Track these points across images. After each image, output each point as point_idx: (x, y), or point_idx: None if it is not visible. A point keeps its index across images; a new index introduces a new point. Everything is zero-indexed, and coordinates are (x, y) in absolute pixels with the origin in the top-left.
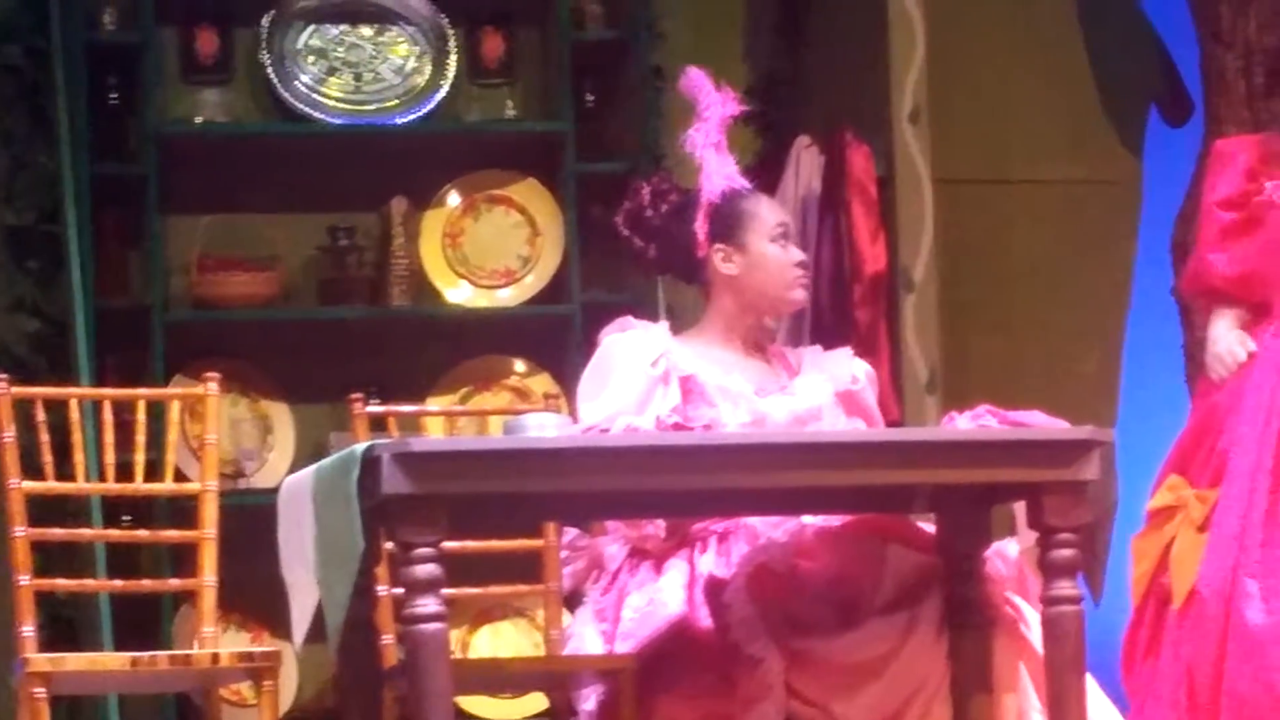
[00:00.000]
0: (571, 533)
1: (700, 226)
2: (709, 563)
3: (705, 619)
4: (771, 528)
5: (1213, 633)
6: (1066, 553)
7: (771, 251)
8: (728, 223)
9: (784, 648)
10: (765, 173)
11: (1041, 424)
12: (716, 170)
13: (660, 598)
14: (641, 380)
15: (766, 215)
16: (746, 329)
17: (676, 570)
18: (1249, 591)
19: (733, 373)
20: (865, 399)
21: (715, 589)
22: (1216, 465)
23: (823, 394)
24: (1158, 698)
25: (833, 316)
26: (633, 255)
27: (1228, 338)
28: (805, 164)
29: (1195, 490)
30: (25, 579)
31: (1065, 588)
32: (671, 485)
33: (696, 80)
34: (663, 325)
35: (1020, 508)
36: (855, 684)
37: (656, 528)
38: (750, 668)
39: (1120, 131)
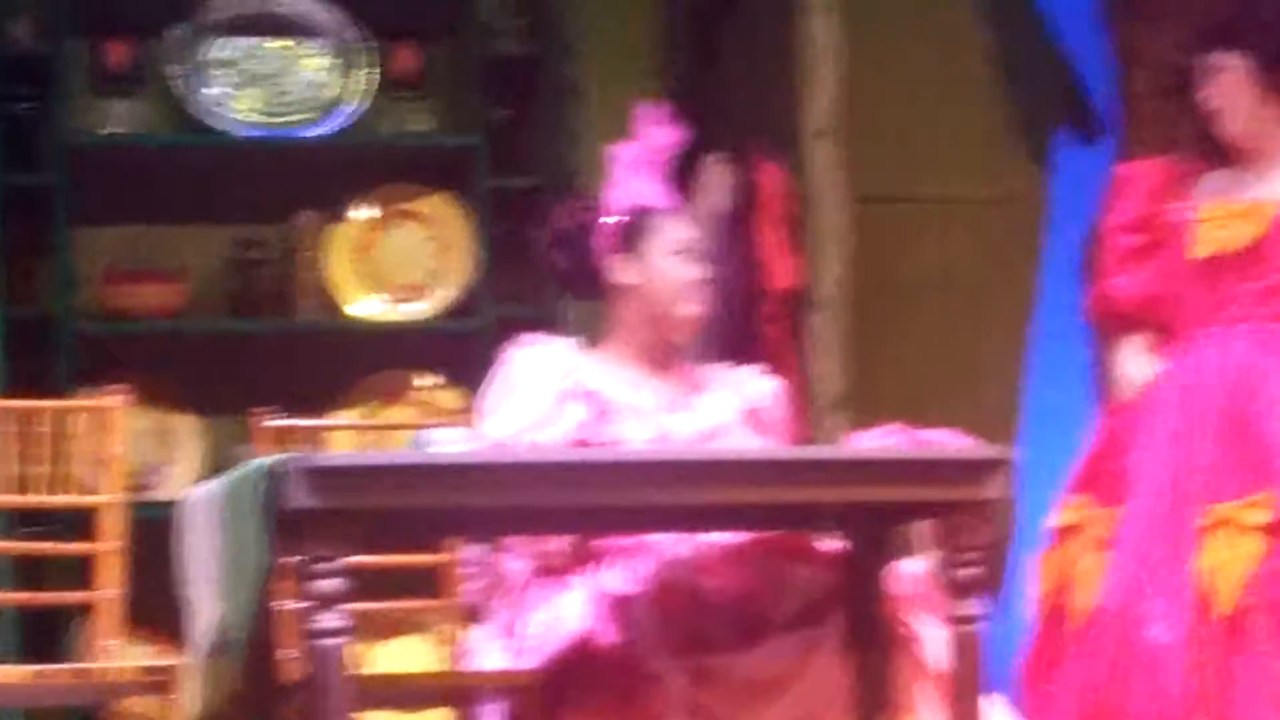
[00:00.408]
0: (475, 549)
1: (604, 237)
2: (612, 579)
3: (608, 635)
4: (675, 544)
5: (1114, 651)
6: (972, 571)
7: (669, 265)
8: (631, 234)
9: (687, 665)
10: (677, 188)
11: (949, 443)
12: (626, 184)
13: (563, 614)
14: (547, 395)
15: (670, 230)
16: (650, 344)
17: (580, 586)
18: (1151, 611)
19: (639, 389)
20: (773, 417)
21: (619, 605)
22: (1120, 485)
23: (728, 411)
24: (1057, 716)
25: (742, 332)
26: (544, 265)
27: (1136, 361)
28: (717, 179)
29: (1099, 509)
30: None
31: (970, 606)
32: (576, 502)
33: (647, 111)
34: (569, 340)
35: (926, 526)
36: (758, 701)
37: (560, 542)
38: (653, 685)
39: (1029, 149)
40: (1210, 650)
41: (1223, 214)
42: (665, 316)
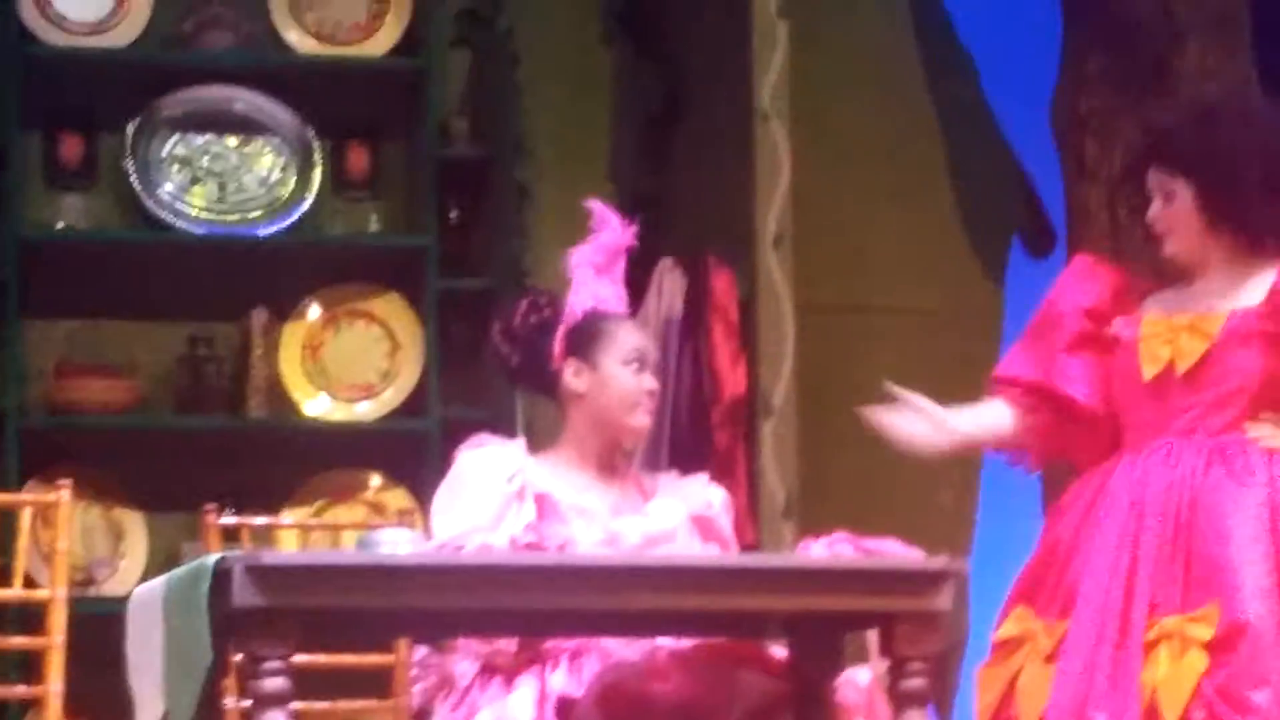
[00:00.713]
0: (422, 650)
1: (558, 340)
2: (560, 681)
3: None
4: (624, 647)
5: None
6: (917, 682)
7: (621, 374)
8: (585, 340)
9: None
10: (629, 293)
11: (897, 553)
12: (586, 288)
13: (510, 714)
14: (496, 496)
15: (624, 338)
16: (600, 450)
17: (527, 687)
18: None
19: (587, 492)
20: (720, 525)
21: (565, 708)
22: (1064, 596)
23: (677, 517)
24: None
25: (691, 439)
26: (497, 364)
27: (963, 416)
28: (668, 286)
29: (1043, 621)
30: None
31: (915, 717)
32: (524, 605)
33: (598, 207)
34: (519, 442)
35: (873, 635)
36: None
37: (508, 643)
38: None
39: (982, 262)
40: None
41: (1165, 330)
42: (615, 424)
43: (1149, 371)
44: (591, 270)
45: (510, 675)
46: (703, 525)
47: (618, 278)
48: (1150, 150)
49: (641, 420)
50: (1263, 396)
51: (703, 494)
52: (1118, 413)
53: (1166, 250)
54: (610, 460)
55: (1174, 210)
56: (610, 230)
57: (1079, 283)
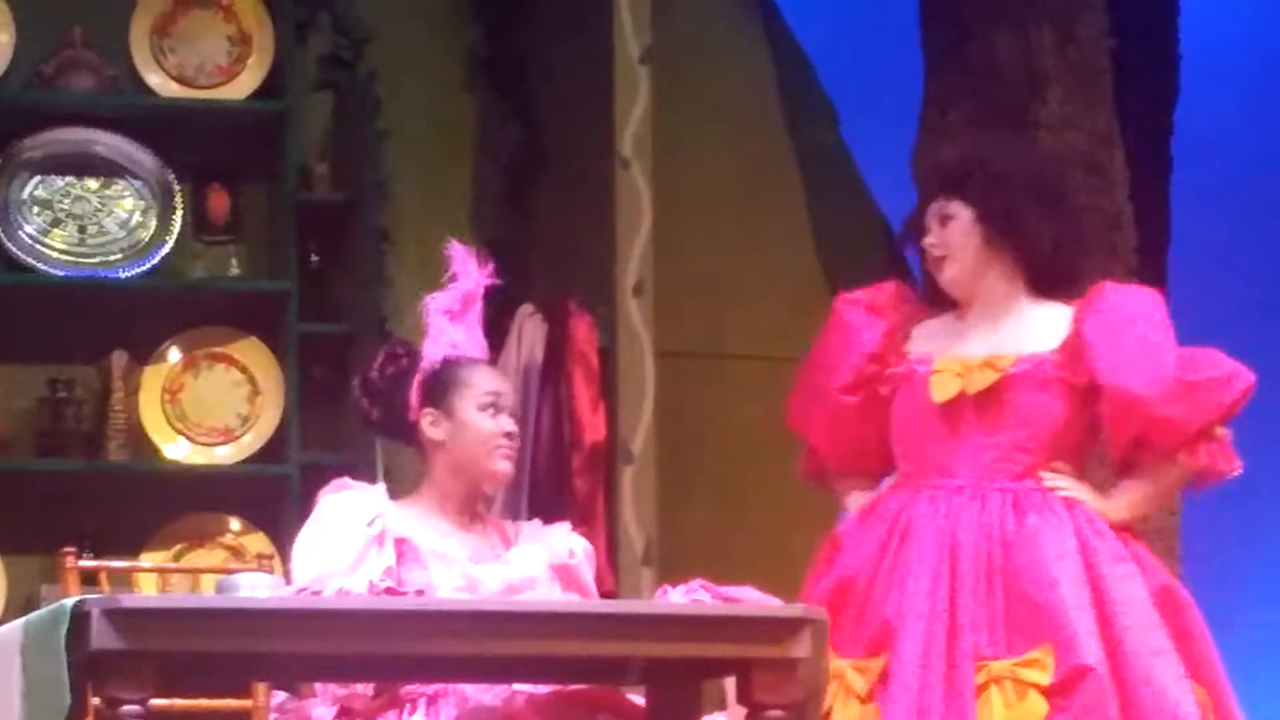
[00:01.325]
0: (281, 695)
1: (414, 390)
2: None
3: None
4: (482, 692)
5: None
6: None
7: (477, 420)
8: (440, 388)
9: None
10: (489, 339)
11: (754, 600)
12: (440, 336)
13: None
14: (356, 540)
15: (478, 383)
16: (461, 496)
17: None
18: None
19: (448, 539)
20: (581, 574)
21: None
22: (872, 633)
23: (537, 565)
24: None
25: (551, 485)
26: (359, 415)
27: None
28: (528, 332)
29: (849, 659)
30: None
31: None
32: (383, 649)
33: (456, 251)
34: (380, 487)
35: (731, 682)
36: None
37: (364, 687)
38: None
39: None
40: None
41: (958, 366)
42: (475, 469)
43: (939, 396)
44: (447, 317)
45: (367, 718)
46: (564, 574)
47: (474, 322)
48: (930, 184)
49: (502, 465)
50: (1057, 444)
51: (565, 542)
52: (901, 446)
53: (945, 276)
54: (471, 507)
55: (950, 232)
56: (466, 275)
57: (836, 357)
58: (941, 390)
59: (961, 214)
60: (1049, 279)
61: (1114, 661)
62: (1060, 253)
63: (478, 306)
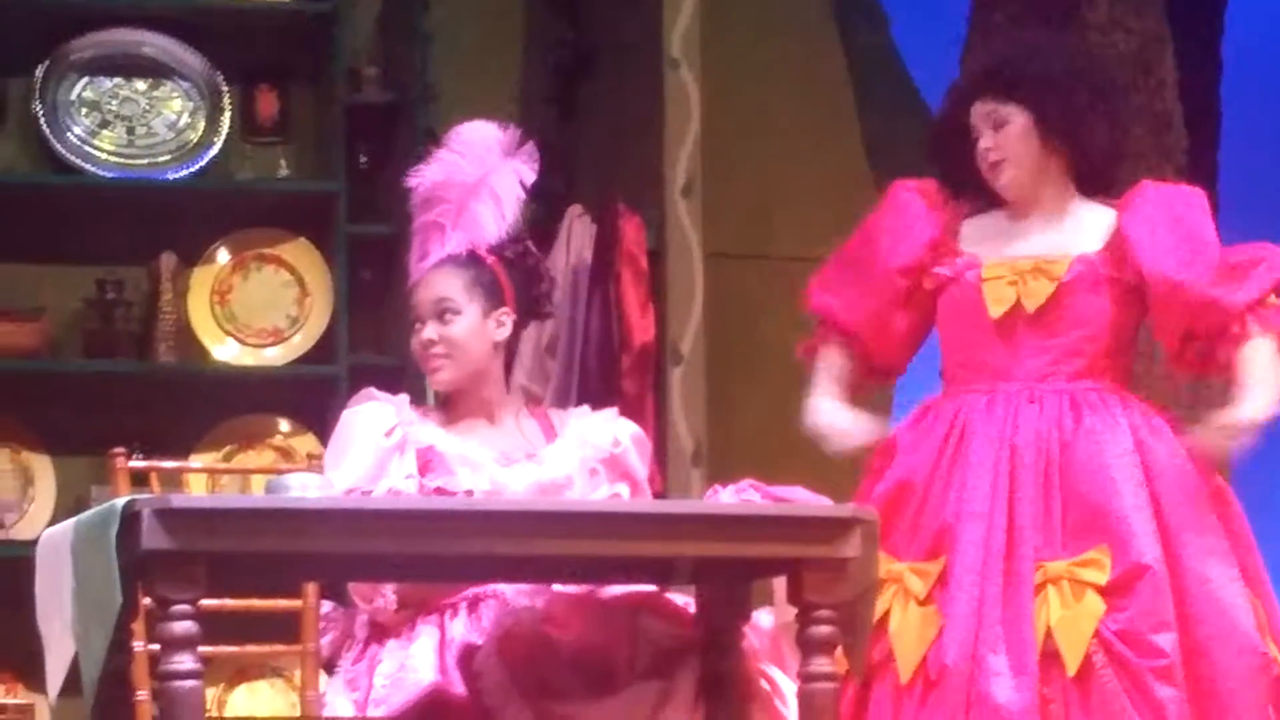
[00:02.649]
0: (327, 605)
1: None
2: (460, 629)
3: (457, 685)
4: (524, 595)
5: (955, 709)
6: (825, 629)
7: (412, 335)
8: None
9: (539, 712)
10: (537, 241)
11: (804, 500)
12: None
13: (411, 664)
14: (376, 451)
15: (414, 298)
16: (465, 400)
17: (427, 637)
18: (995, 669)
19: (471, 441)
20: (629, 461)
21: (467, 655)
22: (930, 537)
23: (571, 463)
24: None
25: (600, 387)
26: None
27: (836, 414)
28: (577, 233)
29: (907, 563)
30: None
31: (822, 664)
32: (430, 549)
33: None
34: (403, 397)
35: (780, 583)
36: None
37: (387, 601)
38: None
39: None
40: (1058, 710)
41: (1008, 272)
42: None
43: (996, 311)
44: (416, 238)
45: (397, 629)
46: (610, 464)
47: (456, 217)
48: (976, 85)
49: (429, 378)
50: (1112, 343)
51: (609, 430)
52: (951, 349)
53: (1003, 179)
54: (486, 409)
55: (1006, 135)
56: (424, 181)
57: (895, 238)
58: (997, 303)
59: (1017, 117)
60: (1099, 180)
61: (1170, 560)
62: (1112, 155)
63: (474, 193)
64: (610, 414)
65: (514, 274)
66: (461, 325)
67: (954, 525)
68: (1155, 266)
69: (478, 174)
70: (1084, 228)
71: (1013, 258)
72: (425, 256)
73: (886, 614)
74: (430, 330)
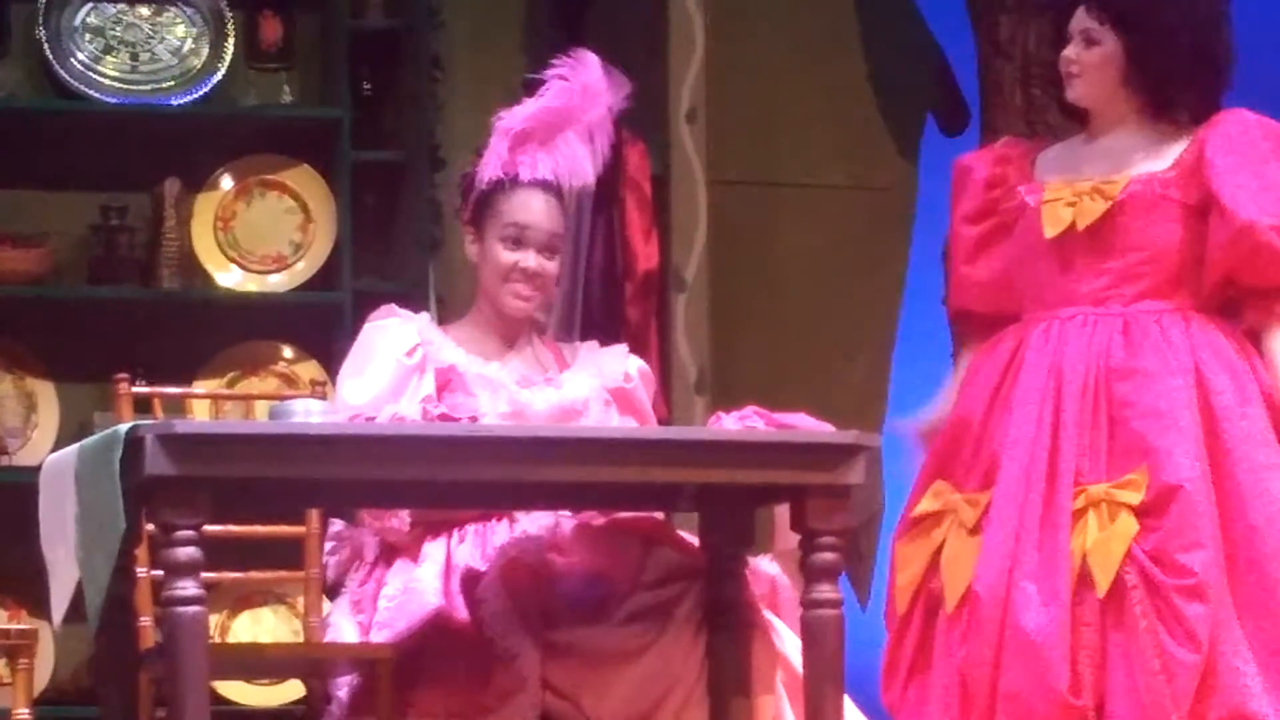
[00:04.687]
0: (337, 524)
1: (465, 207)
2: (465, 553)
3: (461, 610)
4: (530, 521)
5: (989, 636)
6: (828, 556)
7: (495, 249)
8: (479, 209)
9: (539, 641)
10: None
11: (807, 427)
12: (494, 155)
13: (416, 588)
14: (396, 369)
15: (505, 211)
16: (497, 322)
17: (432, 560)
18: (1026, 594)
19: (493, 363)
20: (638, 397)
21: (471, 581)
22: (984, 467)
23: (589, 388)
24: (929, 704)
25: (604, 313)
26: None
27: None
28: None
29: (964, 494)
30: None
31: (826, 591)
32: (434, 475)
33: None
34: (424, 316)
35: (783, 510)
36: (608, 677)
37: (400, 520)
38: (505, 660)
39: (895, 139)
40: (1089, 631)
41: (1068, 193)
42: (493, 299)
43: (1050, 231)
44: (507, 137)
45: (406, 550)
46: (620, 398)
47: (563, 144)
48: None
49: (511, 302)
50: (1171, 266)
51: (620, 365)
52: (1021, 281)
53: (1073, 93)
54: (515, 331)
55: (1094, 56)
56: (545, 97)
57: (958, 200)
58: (1052, 224)
59: (1109, 42)
60: (1177, 107)
61: (1222, 475)
62: (1199, 88)
63: (576, 128)
64: (621, 349)
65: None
66: (557, 263)
67: (999, 454)
68: (1229, 197)
69: (585, 110)
70: (1151, 147)
71: (1074, 180)
72: (512, 169)
73: (943, 545)
74: (533, 259)
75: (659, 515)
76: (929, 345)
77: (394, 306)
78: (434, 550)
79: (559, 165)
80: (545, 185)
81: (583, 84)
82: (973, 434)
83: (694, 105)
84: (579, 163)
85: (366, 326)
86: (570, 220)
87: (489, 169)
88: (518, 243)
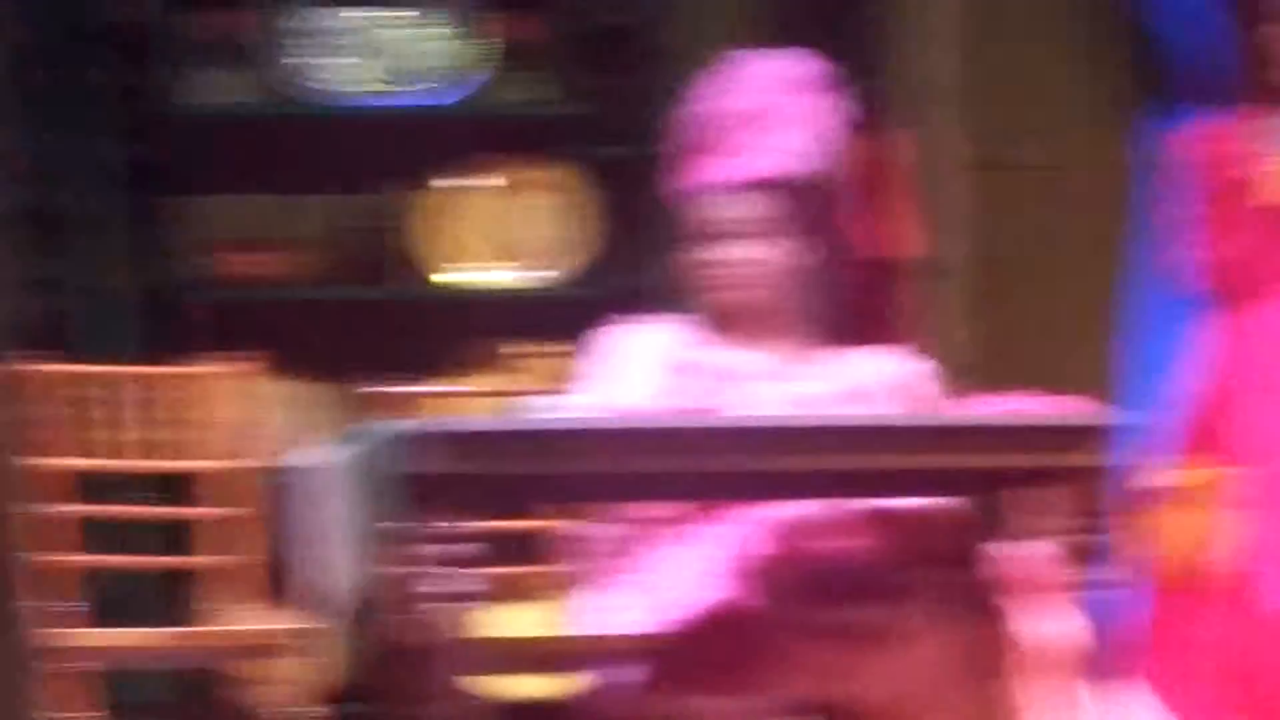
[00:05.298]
0: (579, 527)
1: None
2: (740, 542)
3: (738, 598)
4: (802, 506)
5: (1256, 615)
6: (1094, 538)
7: (693, 248)
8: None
9: (814, 627)
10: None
11: (1073, 409)
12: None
13: (686, 576)
14: (652, 370)
15: (688, 210)
16: (728, 316)
17: (703, 550)
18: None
19: (737, 356)
20: (924, 394)
21: (747, 568)
22: (1247, 440)
23: (839, 384)
24: (1194, 681)
25: (866, 301)
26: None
27: None
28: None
29: (1219, 469)
30: (64, 556)
31: (1091, 573)
32: (691, 468)
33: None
34: (678, 316)
35: (1050, 494)
36: (874, 661)
37: (666, 511)
38: (782, 647)
39: (1139, 117)
40: None
41: None
42: (705, 299)
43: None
44: (692, 143)
45: (677, 539)
46: (903, 394)
47: (727, 143)
48: None
49: (715, 297)
50: None
51: (902, 365)
52: (1263, 253)
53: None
54: (752, 325)
55: None
56: (716, 93)
57: (1195, 172)
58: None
59: None
60: None
61: None
62: None
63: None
64: (904, 351)
65: (803, 202)
66: (758, 250)
67: (1258, 429)
68: None
69: (759, 104)
70: None
71: None
72: (698, 177)
73: (1202, 520)
74: (728, 250)
75: (926, 500)
76: (1166, 321)
77: (639, 315)
78: (705, 539)
79: (743, 160)
80: (739, 184)
81: (747, 80)
82: (1232, 404)
83: (952, 86)
84: (767, 150)
85: (618, 330)
86: (807, 210)
87: (679, 177)
88: (707, 239)
